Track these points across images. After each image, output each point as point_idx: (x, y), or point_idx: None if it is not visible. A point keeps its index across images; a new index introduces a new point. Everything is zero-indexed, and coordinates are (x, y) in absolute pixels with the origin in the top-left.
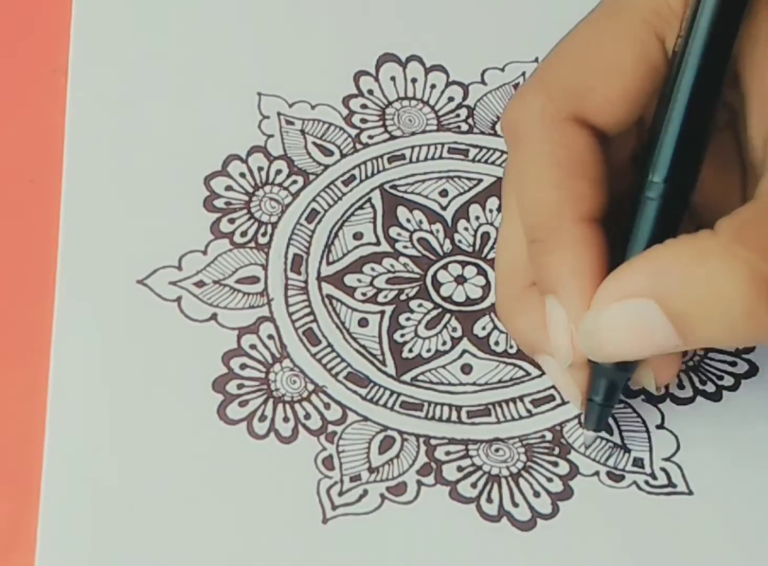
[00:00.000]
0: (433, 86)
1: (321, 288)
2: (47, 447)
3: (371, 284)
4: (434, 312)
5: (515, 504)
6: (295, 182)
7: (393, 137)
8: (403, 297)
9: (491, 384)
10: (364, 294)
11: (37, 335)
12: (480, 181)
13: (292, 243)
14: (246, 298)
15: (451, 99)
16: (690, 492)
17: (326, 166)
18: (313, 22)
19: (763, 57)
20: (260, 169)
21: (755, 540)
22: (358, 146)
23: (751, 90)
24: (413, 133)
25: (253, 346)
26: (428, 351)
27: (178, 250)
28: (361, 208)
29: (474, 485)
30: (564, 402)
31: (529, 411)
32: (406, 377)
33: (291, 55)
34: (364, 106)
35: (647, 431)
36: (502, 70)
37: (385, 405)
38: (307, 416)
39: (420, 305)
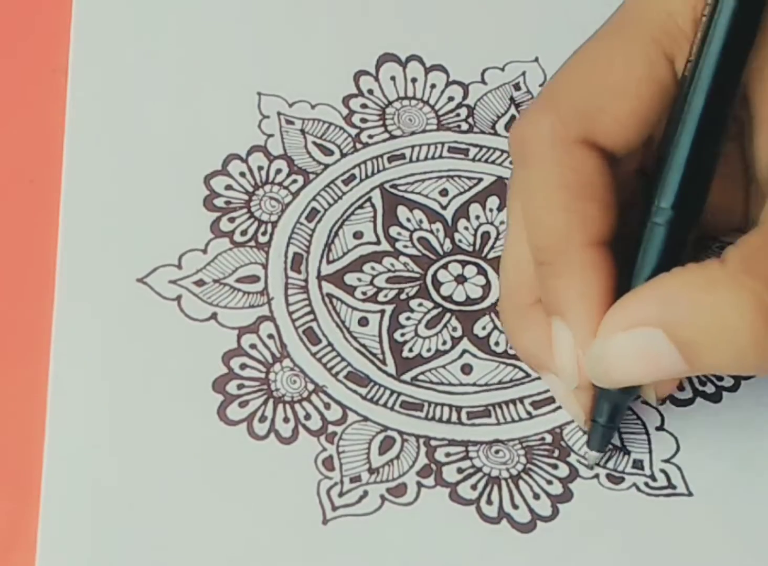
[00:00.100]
0: (433, 86)
1: (321, 288)
2: (47, 447)
3: (371, 283)
4: (434, 312)
5: (515, 506)
6: (295, 181)
7: (393, 137)
8: (403, 296)
9: (491, 385)
10: (364, 293)
11: (37, 334)
12: (480, 180)
13: (292, 242)
14: (246, 297)
15: (451, 98)
16: (690, 494)
17: (326, 166)
18: (313, 21)
19: None
20: (260, 168)
21: (755, 542)
22: (358, 146)
23: (760, 111)
24: (413, 133)
25: (253, 346)
26: (428, 350)
27: (178, 249)
28: (361, 207)
29: (474, 487)
30: None
31: (529, 413)
32: (407, 377)
33: (291, 55)
34: (364, 106)
35: (647, 433)
36: (502, 69)
37: (385, 405)
38: (308, 416)
39: (420, 304)
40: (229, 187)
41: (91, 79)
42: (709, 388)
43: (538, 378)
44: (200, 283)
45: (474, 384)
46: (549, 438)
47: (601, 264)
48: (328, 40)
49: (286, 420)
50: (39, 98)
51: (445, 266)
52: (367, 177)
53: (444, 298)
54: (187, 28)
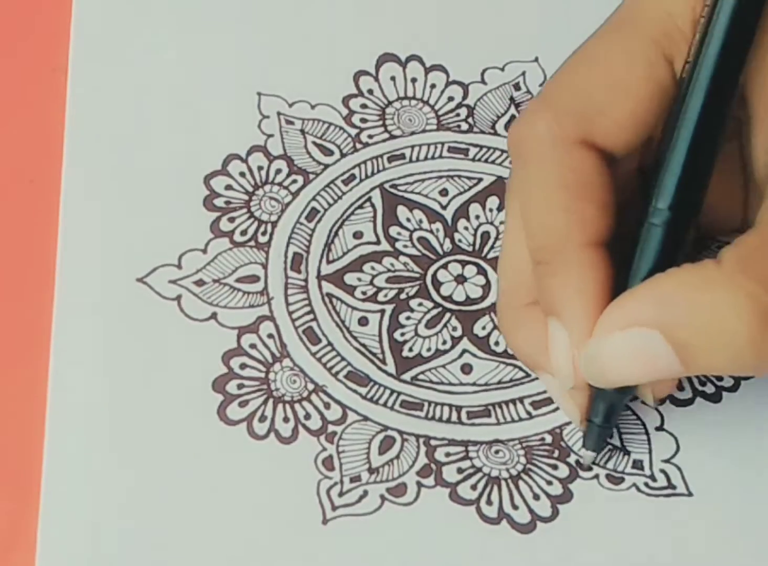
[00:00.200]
0: (433, 86)
1: (321, 287)
2: (47, 446)
3: (371, 283)
4: (434, 312)
5: (515, 507)
6: (295, 181)
7: (393, 137)
8: (403, 296)
9: (491, 384)
10: (364, 293)
11: (36, 334)
12: (480, 180)
13: (292, 242)
14: (246, 297)
15: (451, 98)
16: (690, 494)
17: (326, 166)
18: (313, 21)
19: None
20: (260, 168)
21: (755, 542)
22: (358, 146)
23: (758, 111)
24: (413, 133)
25: (253, 345)
26: (428, 350)
27: (178, 249)
28: (361, 207)
29: (474, 487)
30: None
31: (529, 413)
32: (406, 376)
33: (291, 55)
34: (364, 106)
35: (647, 433)
36: (502, 69)
37: (385, 405)
38: (307, 416)
39: (420, 304)
40: (229, 187)
41: (91, 78)
42: (709, 388)
43: (538, 378)
44: (200, 282)
45: (474, 384)
46: (549, 439)
47: (599, 264)
48: (328, 40)
49: (286, 419)
50: (39, 98)
51: (445, 266)
52: (367, 177)
53: (444, 298)
54: (187, 28)
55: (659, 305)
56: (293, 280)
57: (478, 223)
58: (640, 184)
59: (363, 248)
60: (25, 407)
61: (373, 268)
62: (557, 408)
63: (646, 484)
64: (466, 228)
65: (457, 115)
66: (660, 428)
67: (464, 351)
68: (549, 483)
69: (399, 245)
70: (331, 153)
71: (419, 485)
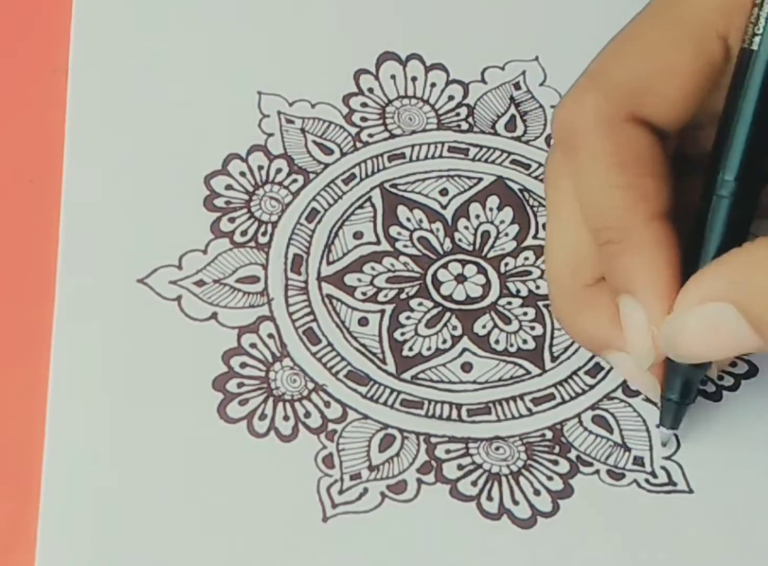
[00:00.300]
0: (433, 85)
1: (321, 288)
2: (47, 446)
3: (371, 283)
4: (434, 311)
5: (515, 502)
6: (295, 181)
7: (393, 136)
8: (403, 296)
9: (491, 382)
10: (364, 293)
11: (37, 335)
12: (480, 179)
13: (293, 243)
14: (246, 298)
15: (451, 97)
16: (690, 491)
17: (326, 165)
18: (313, 20)
19: None
20: (260, 167)
21: (755, 539)
22: (359, 145)
23: None
24: (413, 132)
25: (253, 345)
26: (428, 349)
27: (178, 249)
28: (361, 207)
29: (474, 483)
30: (564, 401)
31: (529, 409)
32: (406, 375)
33: (291, 54)
34: (364, 105)
35: (647, 430)
36: (503, 68)
37: (385, 404)
38: (308, 414)
39: (420, 304)
40: (229, 187)
41: (91, 79)
42: (710, 387)
43: (539, 375)
44: (200, 283)
45: (474, 382)
46: (549, 435)
47: (667, 238)
48: (328, 39)
49: (286, 418)
50: (39, 98)
51: (445, 265)
52: (367, 176)
53: (444, 297)
54: (187, 28)
55: (735, 283)
56: (293, 281)
57: (478, 223)
58: (682, 168)
59: (363, 248)
60: (26, 407)
61: (373, 269)
62: (557, 405)
63: (647, 481)
64: (466, 227)
65: (458, 114)
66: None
67: (464, 349)
68: (549, 478)
69: (399, 245)
70: (331, 152)
71: (419, 482)
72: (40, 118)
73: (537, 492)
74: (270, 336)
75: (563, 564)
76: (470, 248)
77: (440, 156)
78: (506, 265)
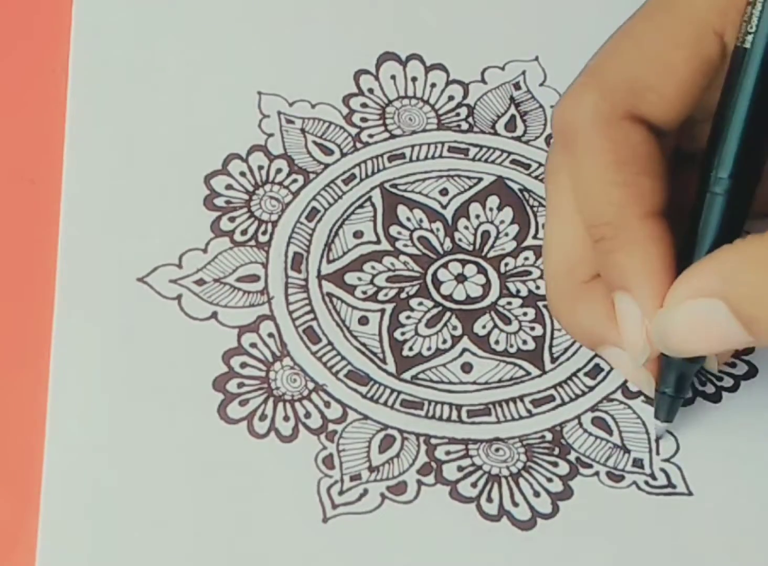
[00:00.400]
0: (433, 85)
1: (321, 287)
2: (47, 446)
3: (371, 282)
4: (434, 311)
5: (515, 504)
6: (295, 181)
7: (393, 136)
8: (403, 295)
9: (491, 383)
10: (364, 292)
11: (37, 334)
12: (480, 179)
13: (293, 241)
14: (246, 297)
15: (451, 98)
16: (689, 493)
17: (326, 165)
18: (313, 20)
19: None
20: (260, 167)
21: (754, 541)
22: (359, 145)
23: None
24: (413, 132)
25: (253, 345)
26: (428, 349)
27: (178, 248)
28: (361, 206)
29: (474, 485)
30: (564, 403)
31: (529, 411)
32: (407, 375)
33: (291, 54)
34: (364, 105)
35: (647, 432)
36: (503, 68)
37: (385, 404)
38: (308, 415)
39: (420, 303)
40: (229, 187)
41: (91, 79)
42: (709, 388)
43: (539, 376)
44: (200, 282)
45: (474, 383)
46: (549, 436)
47: (661, 235)
48: (328, 39)
49: (286, 418)
50: (39, 98)
51: (445, 265)
52: (367, 176)
53: (444, 297)
54: (187, 28)
55: (725, 279)
56: (293, 279)
57: (479, 223)
58: (679, 164)
59: (363, 247)
60: (26, 406)
61: (373, 268)
62: (557, 406)
63: (647, 483)
64: (466, 227)
65: (458, 114)
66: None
67: (464, 350)
68: (549, 480)
69: (399, 244)
70: (331, 152)
71: (419, 483)
72: (40, 117)
73: (537, 494)
74: (270, 335)
75: (563, 565)
76: (470, 248)
77: (440, 156)
78: (506, 265)
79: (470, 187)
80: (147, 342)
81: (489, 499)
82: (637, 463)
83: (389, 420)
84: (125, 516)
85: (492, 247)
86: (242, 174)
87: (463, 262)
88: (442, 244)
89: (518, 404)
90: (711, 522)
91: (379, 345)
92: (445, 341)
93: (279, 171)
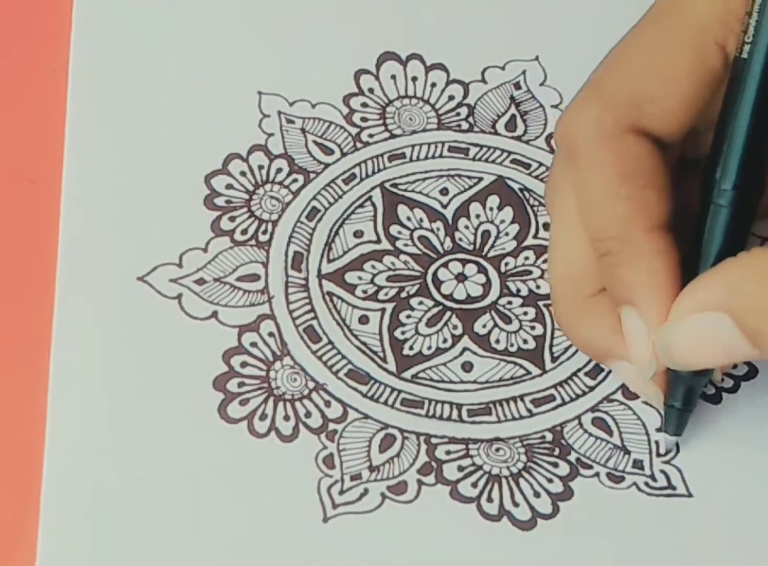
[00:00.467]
0: (433, 85)
1: (322, 286)
2: (47, 446)
3: (372, 282)
4: (435, 310)
5: (515, 504)
6: (295, 180)
7: (393, 136)
8: (403, 294)
9: (492, 382)
10: (364, 291)
11: (37, 334)
12: (480, 179)
13: (293, 241)
14: (246, 296)
15: (451, 97)
16: (689, 495)
17: (327, 165)
18: (313, 20)
19: None
20: (261, 167)
21: (754, 543)
22: (359, 145)
23: None
24: (414, 132)
25: (253, 344)
26: (429, 348)
27: (178, 248)
28: (361, 206)
29: (474, 484)
30: (564, 403)
31: (529, 410)
32: (407, 374)
33: (291, 54)
34: (364, 105)
35: (647, 433)
36: (503, 68)
37: (385, 403)
38: (308, 414)
39: (420, 303)
40: (229, 186)
41: (91, 79)
42: (709, 389)
43: (539, 375)
44: (201, 281)
45: (474, 382)
46: (549, 437)
47: (666, 248)
48: (329, 39)
49: (286, 418)
50: (39, 98)
51: (445, 265)
52: (367, 176)
53: (444, 297)
54: (187, 28)
55: (729, 292)
56: (294, 278)
57: (479, 222)
58: (684, 172)
59: (363, 247)
60: (26, 406)
61: (373, 267)
62: (558, 406)
63: (647, 484)
64: (466, 227)
65: (458, 114)
66: (660, 429)
67: (465, 349)
68: (549, 480)
69: (399, 244)
70: (331, 152)
71: (420, 483)
72: (40, 117)
73: (537, 494)
74: (270, 334)
75: None
76: (470, 247)
77: (440, 156)
78: (506, 264)
79: (470, 187)
80: (147, 341)
81: (489, 499)
82: (637, 464)
83: (390, 419)
84: (125, 516)
85: (492, 246)
86: (242, 173)
87: (464, 262)
88: (442, 244)
89: (519, 403)
90: (711, 524)
91: (380, 344)
92: (445, 340)
93: (279, 170)
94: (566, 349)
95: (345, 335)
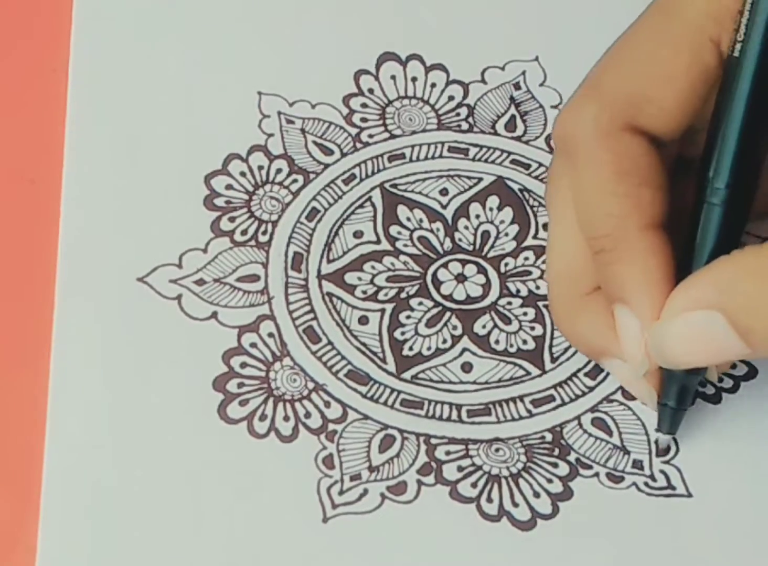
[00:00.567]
0: (433, 85)
1: (321, 286)
2: (47, 446)
3: (372, 282)
4: (434, 311)
5: (515, 504)
6: (295, 181)
7: (393, 136)
8: (403, 295)
9: (491, 383)
10: (364, 292)
11: (37, 334)
12: (480, 179)
13: (293, 241)
14: (246, 297)
15: (451, 98)
16: (689, 495)
17: (326, 165)
18: (313, 20)
19: None
20: (260, 167)
21: (753, 543)
22: (359, 145)
23: None
24: (413, 132)
25: (253, 345)
26: (428, 349)
27: (178, 248)
28: (361, 206)
29: (474, 485)
30: (564, 403)
31: (529, 411)
32: (407, 375)
33: (291, 54)
34: (364, 105)
35: (647, 433)
36: (503, 68)
37: (385, 404)
38: (308, 415)
39: (420, 303)
40: (229, 187)
41: (91, 79)
42: (709, 389)
43: (539, 376)
44: (200, 282)
45: (474, 383)
46: (549, 437)
47: (660, 247)
48: (329, 39)
49: (286, 418)
50: (39, 98)
51: (445, 265)
52: (367, 176)
53: (444, 297)
54: (187, 28)
55: (722, 291)
56: (293, 279)
57: (479, 223)
58: (681, 170)
59: (363, 247)
60: (26, 406)
61: (373, 267)
62: (557, 407)
63: (646, 484)
64: (466, 227)
65: (458, 114)
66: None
67: (464, 349)
68: (549, 481)
69: (399, 244)
70: (331, 152)
71: (419, 483)
72: (40, 117)
73: (537, 495)
74: (270, 335)
75: None
76: (470, 248)
77: (440, 156)
78: (506, 264)
79: (470, 187)
80: (147, 342)
81: (489, 499)
82: (637, 464)
83: (389, 420)
84: (125, 516)
85: (492, 246)
86: (242, 174)
87: (463, 262)
88: (442, 244)
89: (518, 404)
90: (710, 524)
91: (379, 344)
92: (445, 341)
93: (279, 171)
94: (566, 350)
95: (345, 336)
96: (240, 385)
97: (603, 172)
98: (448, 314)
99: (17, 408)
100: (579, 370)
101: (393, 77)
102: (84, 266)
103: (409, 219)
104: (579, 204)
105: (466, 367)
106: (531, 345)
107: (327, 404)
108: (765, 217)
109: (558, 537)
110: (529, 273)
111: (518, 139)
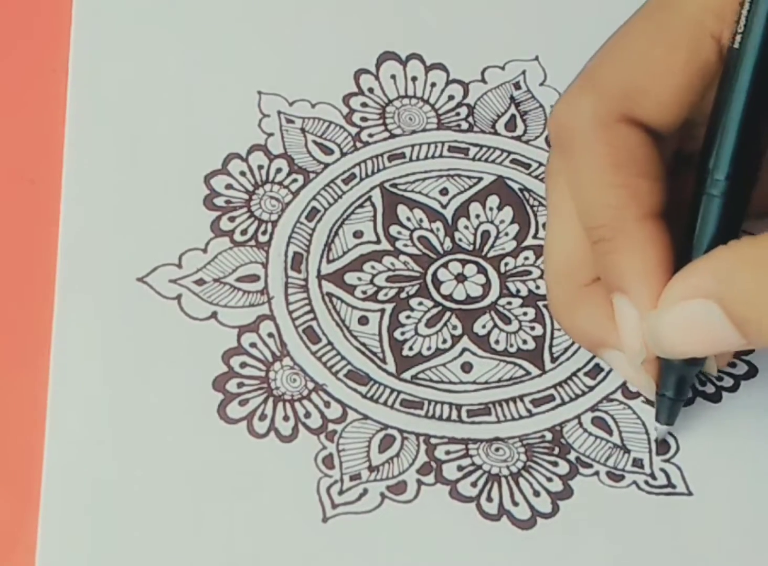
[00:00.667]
0: (433, 84)
1: (321, 287)
2: (47, 446)
3: (371, 282)
4: (434, 311)
5: (515, 503)
6: (295, 180)
7: (393, 136)
8: (403, 295)
9: (491, 383)
10: (364, 292)
11: (37, 334)
12: (480, 179)
13: (293, 241)
14: (246, 297)
15: (451, 97)
16: (689, 493)
17: (326, 165)
18: (313, 20)
19: None
20: (260, 167)
21: (754, 541)
22: (359, 144)
23: None
24: (413, 132)
25: (253, 344)
26: (428, 349)
27: (178, 248)
28: (361, 206)
29: (474, 484)
30: (564, 403)
31: (529, 410)
32: (406, 375)
33: (291, 54)
34: (364, 105)
35: (647, 432)
36: (503, 68)
37: (385, 404)
38: (307, 415)
39: (420, 303)
40: (229, 186)
41: (91, 79)
42: (709, 388)
43: (539, 376)
44: (200, 282)
45: (474, 382)
46: (549, 436)
47: (659, 236)
48: (329, 39)
49: (286, 418)
50: (39, 98)
51: (445, 265)
52: (367, 176)
53: (444, 297)
54: (187, 28)
55: (719, 280)
56: (293, 279)
57: (479, 222)
58: (680, 165)
59: (363, 247)
60: (26, 406)
61: (373, 267)
62: (557, 406)
63: (647, 482)
64: (466, 227)
65: (458, 114)
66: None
67: (464, 349)
68: (549, 479)
69: (399, 244)
70: (331, 152)
71: (419, 483)
72: (40, 117)
73: (537, 494)
74: (270, 335)
75: (562, 565)
76: (470, 248)
77: (440, 156)
78: (506, 264)
79: (470, 187)
80: (147, 342)
81: (489, 499)
82: (637, 463)
83: (389, 419)
84: (125, 516)
85: (492, 246)
86: (242, 173)
87: (463, 262)
88: (442, 244)
89: (518, 404)
90: (711, 522)
91: (379, 345)
92: (445, 341)
93: (279, 170)
94: (566, 349)
95: (344, 336)
96: (240, 385)
97: (600, 163)
98: (448, 314)
99: (17, 408)
100: (579, 370)
101: (393, 77)
102: (84, 266)
103: (409, 219)
104: (577, 195)
105: (466, 367)
106: (531, 345)
107: (327, 404)
108: (764, 216)
109: (558, 536)
110: (529, 273)
111: (518, 138)
